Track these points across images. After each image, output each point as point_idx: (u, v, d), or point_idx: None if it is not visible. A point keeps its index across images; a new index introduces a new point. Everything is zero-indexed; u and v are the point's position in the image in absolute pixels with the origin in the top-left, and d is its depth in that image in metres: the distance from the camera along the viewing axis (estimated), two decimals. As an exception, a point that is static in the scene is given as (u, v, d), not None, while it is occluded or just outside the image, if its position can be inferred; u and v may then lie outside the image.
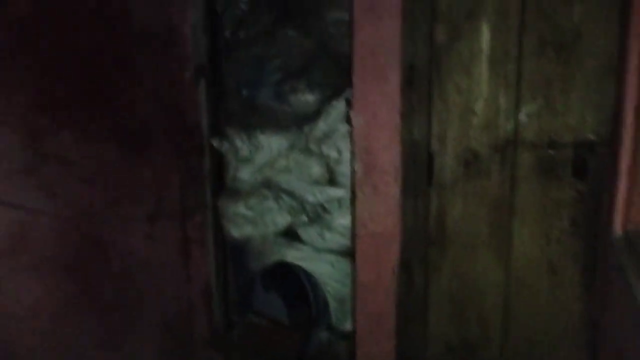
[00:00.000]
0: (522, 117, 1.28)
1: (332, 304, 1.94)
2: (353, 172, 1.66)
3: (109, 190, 1.85)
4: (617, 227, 1.23)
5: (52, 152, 1.66)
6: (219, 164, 2.14)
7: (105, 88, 1.82)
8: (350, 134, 1.66)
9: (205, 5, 2.03)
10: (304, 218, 1.93)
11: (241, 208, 1.98)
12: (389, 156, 1.55)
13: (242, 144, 2.00)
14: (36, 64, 1.59)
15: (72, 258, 1.76)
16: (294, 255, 1.95)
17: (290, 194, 1.93)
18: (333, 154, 1.83)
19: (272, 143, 1.96)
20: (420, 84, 1.40)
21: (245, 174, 2.02)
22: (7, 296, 1.60)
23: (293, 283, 1.97)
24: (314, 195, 1.86)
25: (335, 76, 1.84)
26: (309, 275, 1.95)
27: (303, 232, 1.92)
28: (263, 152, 1.98)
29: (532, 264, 1.35)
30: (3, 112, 1.52)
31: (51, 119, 1.64)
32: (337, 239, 1.83)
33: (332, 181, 1.91)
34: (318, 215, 1.91)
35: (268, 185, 2.01)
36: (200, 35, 2.05)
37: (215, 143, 2.06)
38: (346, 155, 1.78)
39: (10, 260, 1.59)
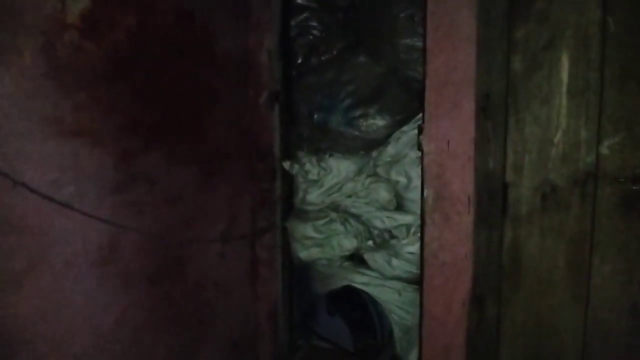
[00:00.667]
0: (604, 149, 1.22)
1: (397, 333, 1.91)
2: (423, 198, 1.65)
3: (188, 210, 1.93)
4: None
5: (141, 173, 1.77)
6: (290, 187, 2.19)
7: (189, 112, 1.92)
8: (421, 160, 1.65)
9: (280, 31, 2.11)
10: (371, 243, 1.92)
11: (309, 230, 2.01)
12: (461, 184, 1.52)
13: (311, 167, 2.04)
14: (129, 88, 1.70)
15: (154, 273, 1.84)
16: (360, 280, 1.95)
17: (357, 219, 1.94)
18: (402, 179, 1.82)
19: (340, 167, 1.99)
20: (496, 113, 1.37)
21: (314, 197, 2.06)
22: (96, 305, 1.70)
23: (358, 309, 1.96)
24: (381, 220, 1.86)
25: (406, 102, 1.85)
26: (374, 302, 1.93)
27: (369, 258, 1.91)
28: (332, 176, 2.00)
29: (613, 305, 1.27)
30: (98, 133, 1.64)
31: (140, 141, 1.75)
32: (405, 267, 1.81)
33: (400, 207, 1.90)
34: (385, 241, 1.90)
35: (336, 208, 2.03)
36: (275, 61, 2.13)
37: (286, 166, 2.12)
38: (415, 181, 1.77)
39: (100, 271, 1.69)
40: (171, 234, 1.88)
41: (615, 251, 1.25)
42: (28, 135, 1.49)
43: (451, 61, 1.46)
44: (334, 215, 1.99)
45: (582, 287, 1.31)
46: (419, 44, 1.72)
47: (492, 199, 1.41)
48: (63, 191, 1.56)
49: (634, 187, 1.19)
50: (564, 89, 1.26)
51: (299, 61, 2.16)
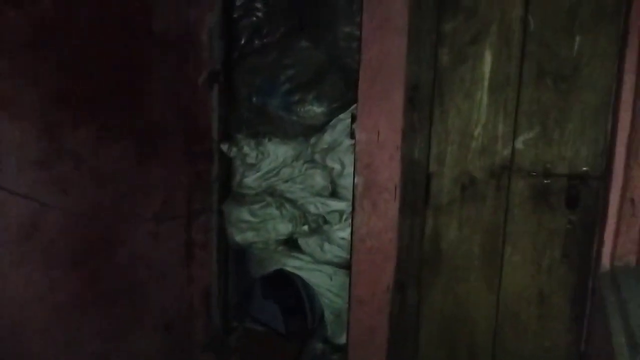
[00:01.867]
0: (519, 144, 1.27)
1: (328, 316, 1.95)
2: (354, 186, 1.67)
3: (119, 188, 1.88)
4: (605, 261, 1.22)
5: (67, 148, 1.70)
6: (227, 170, 2.17)
7: (122, 87, 1.86)
8: (354, 149, 1.67)
9: (222, 11, 2.07)
10: (305, 228, 1.94)
11: (245, 214, 2.01)
12: (389, 173, 1.56)
13: (250, 151, 2.03)
14: (56, 59, 1.62)
15: (80, 252, 1.79)
16: (293, 264, 1.96)
17: (293, 203, 1.95)
18: (336, 166, 1.84)
19: (278, 151, 1.99)
20: (423, 105, 1.41)
21: (251, 181, 2.05)
22: (15, 283, 1.64)
23: (291, 292, 1.99)
24: (315, 206, 1.88)
25: (344, 90, 1.86)
26: (307, 286, 1.96)
27: (303, 242, 1.93)
28: (269, 160, 2.00)
29: (522, 292, 1.34)
30: (20, 104, 1.56)
31: (68, 115, 1.68)
32: (336, 252, 1.84)
33: (334, 193, 1.92)
34: (319, 226, 1.93)
35: (272, 193, 2.04)
36: (216, 40, 2.09)
37: (224, 148, 2.10)
38: (349, 169, 1.79)
39: (19, 249, 1.63)
40: (99, 212, 1.83)
41: (525, 242, 1.32)
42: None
43: (384, 51, 1.48)
44: (270, 199, 1.99)
45: (495, 275, 1.38)
46: (358, 32, 1.73)
47: (416, 188, 1.45)
48: (-19, 164, 1.49)
49: (545, 181, 1.25)
50: (486, 83, 1.30)
51: (242, 42, 2.13)
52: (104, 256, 1.89)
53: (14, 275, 1.63)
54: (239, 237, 2.05)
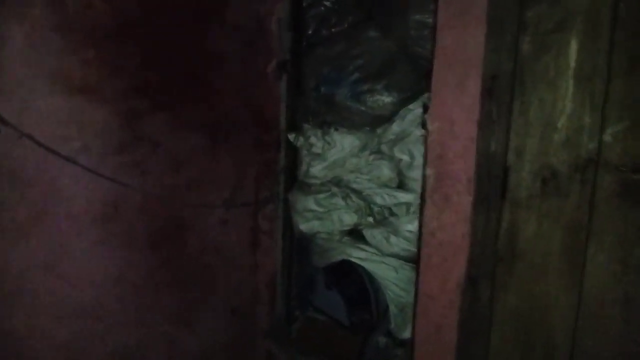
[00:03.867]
0: (607, 137, 1.20)
1: (392, 310, 1.93)
2: (424, 178, 1.64)
3: (191, 175, 1.96)
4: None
5: (146, 135, 1.79)
6: (293, 159, 2.19)
7: (196, 76, 1.92)
8: (425, 140, 1.64)
9: (291, 1, 2.08)
10: (371, 219, 1.93)
11: (310, 203, 2.02)
12: (463, 165, 1.51)
13: (316, 141, 2.04)
14: (137, 49, 1.70)
15: (155, 234, 1.88)
16: (358, 255, 1.96)
17: (359, 194, 1.94)
18: (405, 157, 1.81)
19: (345, 142, 1.98)
20: (502, 95, 1.35)
21: (317, 171, 2.06)
22: (96, 262, 1.74)
23: (355, 284, 1.98)
24: (382, 197, 1.86)
25: (414, 79, 1.83)
26: (371, 278, 1.95)
27: (368, 234, 1.92)
28: (335, 150, 2.00)
29: (606, 293, 1.27)
30: (105, 91, 1.65)
31: (146, 103, 1.76)
32: (403, 245, 1.82)
33: (401, 185, 1.90)
34: (385, 218, 1.91)
35: (338, 183, 2.03)
36: (285, 31, 2.11)
37: (291, 138, 2.11)
38: (418, 160, 1.76)
39: (101, 230, 1.73)
40: (173, 197, 1.90)
41: (611, 240, 1.24)
42: (35, 89, 1.51)
43: (460, 40, 1.43)
44: (335, 189, 1.99)
45: (577, 274, 1.31)
46: (430, 20, 1.69)
47: (492, 181, 1.40)
48: (68, 146, 1.59)
49: (634, 177, 1.17)
50: (571, 73, 1.23)
51: (310, 32, 2.13)
52: (177, 239, 1.97)
53: (96, 254, 1.74)
54: (303, 226, 2.06)
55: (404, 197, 1.82)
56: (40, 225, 1.58)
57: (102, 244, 1.74)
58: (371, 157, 1.95)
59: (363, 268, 1.95)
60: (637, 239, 1.21)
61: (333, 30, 2.09)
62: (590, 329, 1.31)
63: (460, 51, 1.43)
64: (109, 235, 1.75)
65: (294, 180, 2.19)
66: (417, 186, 1.72)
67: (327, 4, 2.10)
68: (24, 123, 1.50)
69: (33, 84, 1.50)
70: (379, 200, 1.87)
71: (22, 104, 1.49)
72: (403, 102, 1.84)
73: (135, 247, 1.83)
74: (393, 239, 1.83)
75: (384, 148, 1.90)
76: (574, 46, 1.22)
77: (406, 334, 1.93)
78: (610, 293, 1.27)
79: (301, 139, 2.08)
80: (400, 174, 1.89)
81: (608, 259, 1.25)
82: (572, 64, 1.23)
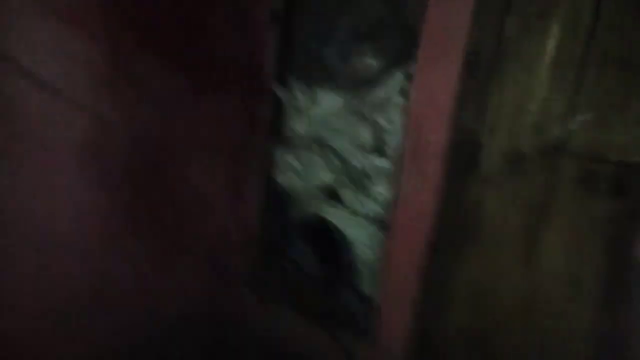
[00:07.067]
0: (574, 126, 1.24)
1: (360, 267, 2.01)
2: (401, 145, 1.68)
3: (176, 117, 1.96)
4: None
5: (132, 72, 1.77)
6: (277, 112, 2.20)
7: (188, 19, 1.89)
8: (405, 108, 1.66)
9: (288, -51, 2.03)
10: (346, 180, 1.97)
11: (291, 157, 2.05)
12: (437, 137, 1.55)
13: (301, 96, 2.04)
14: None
15: (137, 175, 1.90)
16: (331, 213, 2.02)
17: (337, 154, 1.97)
18: (384, 123, 1.83)
19: (328, 100, 1.99)
20: (481, 73, 1.37)
21: (299, 127, 2.08)
22: (74, 197, 1.76)
23: (327, 240, 2.05)
24: (358, 160, 1.90)
25: (402, 47, 1.82)
26: (343, 235, 2.01)
27: (342, 193, 1.97)
28: (319, 108, 2.01)
29: (556, 274, 1.34)
30: (90, 25, 1.63)
31: (133, 39, 1.74)
32: (373, 207, 1.88)
33: (378, 150, 1.93)
34: (360, 179, 1.95)
35: (318, 141, 2.06)
36: (279, -22, 2.06)
37: (277, 90, 2.12)
38: (397, 127, 1.78)
39: (82, 164, 1.75)
40: (157, 139, 1.92)
41: (566, 224, 1.31)
42: (21, 16, 1.49)
43: (447, 14, 1.43)
44: (315, 147, 2.02)
45: (531, 252, 1.38)
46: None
47: (464, 156, 1.45)
48: (54, 77, 1.58)
49: (593, 167, 1.22)
50: (548, 59, 1.25)
51: (304, -15, 2.09)
52: (158, 182, 2.00)
53: (76, 189, 1.76)
54: (282, 179, 2.10)
55: (379, 162, 1.85)
56: (33, 156, 1.61)
57: (82, 179, 1.76)
58: (352, 119, 1.97)
59: (335, 225, 2.01)
60: (589, 226, 1.27)
61: (327, -15, 2.05)
62: (540, 303, 1.40)
63: (446, 25, 1.44)
64: (90, 171, 1.77)
65: (277, 133, 2.21)
66: (393, 152, 1.75)
67: (324, -44, 2.04)
68: (8, 49, 1.49)
69: (19, 9, 1.48)
70: (355, 162, 1.91)
71: (6, 29, 1.48)
72: (389, 68, 1.84)
73: (116, 188, 1.86)
74: (365, 200, 1.88)
75: (366, 112, 1.92)
76: (554, 33, 1.24)
77: (370, 291, 2.02)
78: (560, 274, 1.34)
79: (287, 92, 2.08)
80: (378, 139, 1.92)
81: (561, 241, 1.32)
82: (550, 50, 1.25)
